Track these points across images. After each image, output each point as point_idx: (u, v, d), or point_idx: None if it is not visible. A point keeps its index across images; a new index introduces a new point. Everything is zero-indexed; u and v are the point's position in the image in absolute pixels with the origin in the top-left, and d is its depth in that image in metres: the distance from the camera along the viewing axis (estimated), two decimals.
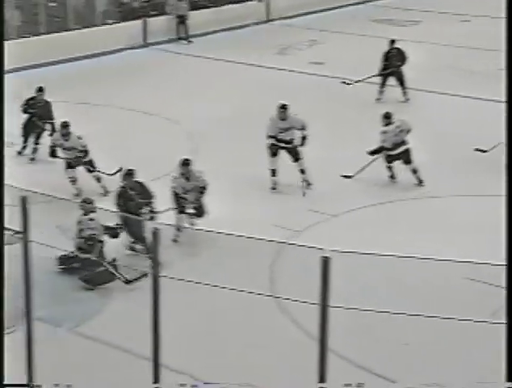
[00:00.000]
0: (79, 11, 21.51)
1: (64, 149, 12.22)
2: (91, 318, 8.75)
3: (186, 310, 8.77)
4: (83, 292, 9.42)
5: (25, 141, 13.71)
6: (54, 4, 20.92)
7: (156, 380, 5.94)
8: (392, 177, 12.80)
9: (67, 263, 9.75)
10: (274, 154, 12.41)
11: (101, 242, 9.80)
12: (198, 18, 23.32)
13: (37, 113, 13.55)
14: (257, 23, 25.30)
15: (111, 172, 11.96)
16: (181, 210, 10.67)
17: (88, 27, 21.10)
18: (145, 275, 9.21)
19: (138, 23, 22.28)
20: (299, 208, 11.81)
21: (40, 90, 13.72)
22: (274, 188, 12.39)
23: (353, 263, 9.42)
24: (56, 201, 11.55)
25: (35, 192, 11.36)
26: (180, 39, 23.06)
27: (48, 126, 13.59)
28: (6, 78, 19.43)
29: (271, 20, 25.89)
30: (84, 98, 16.96)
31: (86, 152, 12.16)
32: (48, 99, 13.76)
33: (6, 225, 8.09)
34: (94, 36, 20.85)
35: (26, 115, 13.64)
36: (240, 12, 24.87)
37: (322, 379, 5.56)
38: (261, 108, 14.03)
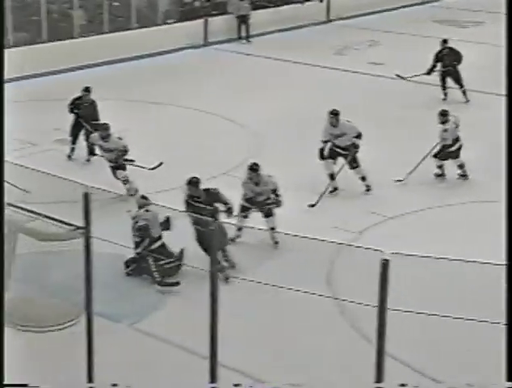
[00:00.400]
0: (142, 11, 21.79)
1: (104, 150, 12.20)
2: (150, 315, 8.83)
3: (245, 310, 8.82)
4: (143, 288, 9.51)
5: (73, 143, 13.62)
6: (117, 3, 21.23)
7: (213, 379, 5.95)
8: (442, 175, 12.87)
9: (133, 265, 9.82)
10: (328, 158, 12.26)
11: (152, 237, 9.81)
12: (258, 18, 23.42)
13: (82, 113, 13.44)
14: (316, 24, 25.29)
15: (152, 166, 11.99)
16: (245, 214, 10.59)
17: (150, 27, 21.38)
18: (178, 283, 9.44)
19: (199, 22, 22.46)
20: (358, 210, 11.77)
21: (87, 90, 13.54)
22: (332, 192, 12.28)
23: (410, 266, 9.36)
24: (114, 198, 11.69)
25: (98, 189, 11.54)
26: (240, 38, 23.19)
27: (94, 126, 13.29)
28: (72, 75, 19.77)
29: (331, 20, 25.84)
30: (144, 96, 17.16)
31: (125, 152, 12.09)
32: (94, 99, 13.58)
33: (69, 220, 8.28)
34: (155, 35, 21.09)
35: (73, 118, 13.52)
36: (299, 12, 24.88)
37: (379, 381, 5.56)
38: (319, 109, 13.99)
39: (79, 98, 13.56)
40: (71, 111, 13.53)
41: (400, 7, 27.58)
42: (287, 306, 8.73)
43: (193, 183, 9.77)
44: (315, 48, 22.12)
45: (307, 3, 25.45)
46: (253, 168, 10.50)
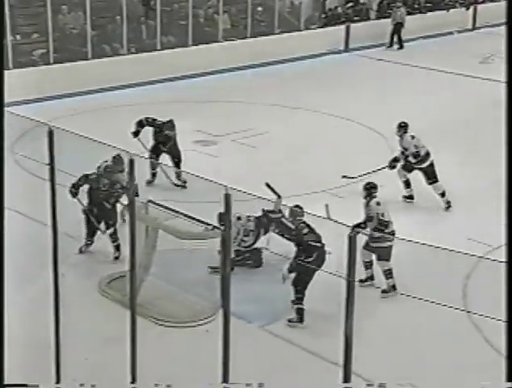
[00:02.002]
0: (284, 16, 22.00)
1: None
2: (282, 317, 8.84)
3: (380, 320, 8.76)
4: (275, 289, 9.56)
5: (153, 169, 12.61)
6: (261, 9, 21.52)
7: None
8: None
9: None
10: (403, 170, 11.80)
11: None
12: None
13: (162, 140, 12.50)
14: (462, 31, 24.81)
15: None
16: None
17: (291, 32, 21.55)
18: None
19: (341, 28, 22.48)
20: (493, 222, 11.42)
21: (171, 127, 12.43)
22: (406, 198, 11.78)
23: None
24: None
25: (239, 191, 11.68)
26: (391, 46, 23.03)
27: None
28: (213, 78, 20.00)
29: (477, 28, 25.27)
30: (283, 101, 17.31)
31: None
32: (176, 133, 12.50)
33: (208, 220, 8.46)
34: (296, 41, 21.26)
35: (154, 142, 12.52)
36: (445, 19, 24.48)
37: None
38: (460, 119, 13.71)
39: (159, 126, 12.42)
40: (143, 124, 12.45)
41: None
42: (420, 318, 8.60)
43: (295, 213, 8.87)
44: (460, 55, 21.69)
45: (452, 10, 25.00)
46: (366, 188, 9.44)
